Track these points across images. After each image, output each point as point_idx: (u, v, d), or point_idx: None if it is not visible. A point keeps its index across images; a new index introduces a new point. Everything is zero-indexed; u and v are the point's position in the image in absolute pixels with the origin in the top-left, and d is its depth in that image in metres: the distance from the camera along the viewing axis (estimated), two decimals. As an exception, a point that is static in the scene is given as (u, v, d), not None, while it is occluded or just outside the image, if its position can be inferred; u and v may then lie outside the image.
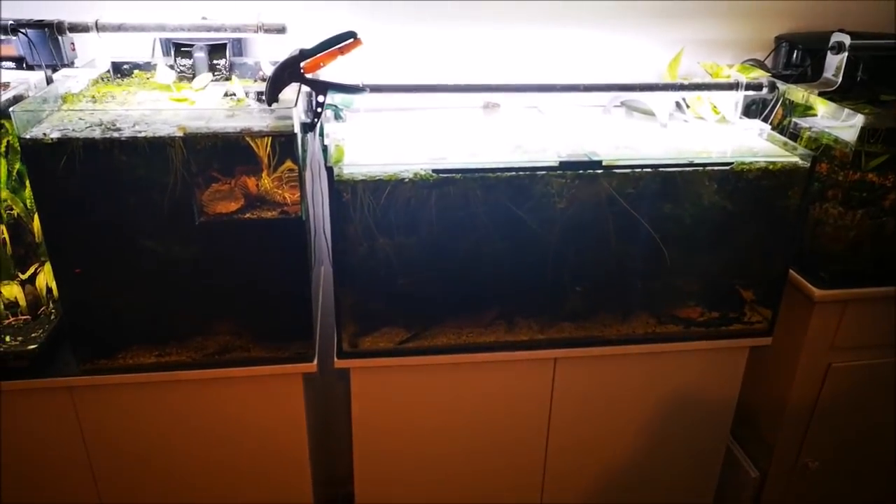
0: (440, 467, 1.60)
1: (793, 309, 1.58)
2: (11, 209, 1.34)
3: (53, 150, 1.13)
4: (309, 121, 1.34)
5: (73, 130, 1.15)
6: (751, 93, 1.56)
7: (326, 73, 1.31)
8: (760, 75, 1.59)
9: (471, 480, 1.63)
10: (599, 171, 1.34)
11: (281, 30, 1.40)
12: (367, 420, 1.52)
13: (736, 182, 1.39)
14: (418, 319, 1.45)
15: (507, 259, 1.40)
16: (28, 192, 1.33)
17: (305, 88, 1.32)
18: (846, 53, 1.53)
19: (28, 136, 1.13)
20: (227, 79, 1.47)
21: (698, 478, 1.75)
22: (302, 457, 1.50)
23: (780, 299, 1.52)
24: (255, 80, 1.49)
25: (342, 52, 1.28)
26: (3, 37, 1.34)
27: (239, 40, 1.56)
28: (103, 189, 1.19)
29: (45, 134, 1.13)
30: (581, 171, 1.33)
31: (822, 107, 1.55)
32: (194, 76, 1.45)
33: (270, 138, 1.19)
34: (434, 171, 1.29)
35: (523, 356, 1.47)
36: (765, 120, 1.65)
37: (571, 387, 1.54)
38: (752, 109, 1.74)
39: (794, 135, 1.60)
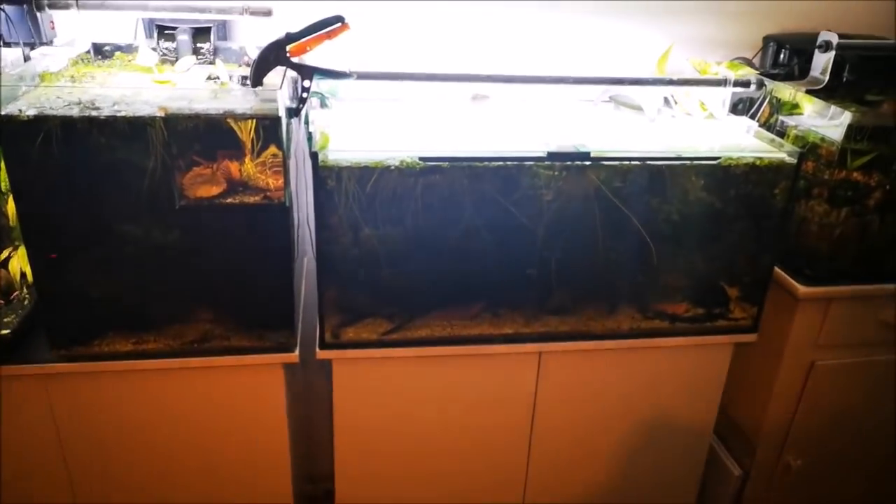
0: (422, 463, 1.58)
1: (777, 306, 1.58)
2: (-15, 191, 1.31)
3: (29, 128, 1.10)
4: (294, 106, 1.32)
5: (51, 108, 1.12)
6: (739, 90, 1.56)
7: (312, 59, 1.29)
8: (748, 73, 1.59)
9: (453, 476, 1.61)
10: (587, 163, 1.33)
11: (267, 13, 1.38)
12: (349, 413, 1.49)
13: (723, 178, 1.39)
14: (402, 311, 1.43)
15: (492, 251, 1.39)
16: (3, 174, 1.29)
17: (291, 73, 1.30)
18: (833, 52, 1.54)
19: (3, 113, 1.09)
20: (211, 62, 1.45)
21: (681, 475, 1.74)
22: (282, 450, 1.47)
23: (764, 296, 1.52)
24: (240, 65, 1.46)
25: (329, 36, 1.26)
26: (-21, 13, 1.31)
27: (224, 24, 1.53)
28: (80, 170, 1.16)
29: (20, 111, 1.10)
30: (569, 163, 1.32)
31: (809, 105, 1.55)
32: (177, 59, 1.43)
33: (254, 121, 1.17)
34: (421, 158, 1.27)
35: (508, 349, 1.46)
36: (752, 118, 1.66)
37: (556, 381, 1.53)
38: (738, 108, 1.74)
39: (781, 133, 1.61)
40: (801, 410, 1.71)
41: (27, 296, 1.36)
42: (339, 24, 1.25)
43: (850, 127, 1.44)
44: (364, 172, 1.27)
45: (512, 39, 1.73)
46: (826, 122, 1.50)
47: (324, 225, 1.31)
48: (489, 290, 1.45)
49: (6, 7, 1.30)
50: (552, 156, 1.32)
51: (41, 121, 1.10)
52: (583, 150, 1.33)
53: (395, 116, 1.57)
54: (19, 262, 1.35)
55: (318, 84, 1.49)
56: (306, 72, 1.28)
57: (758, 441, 1.76)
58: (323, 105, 1.54)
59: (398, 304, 1.42)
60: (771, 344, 1.64)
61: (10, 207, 1.31)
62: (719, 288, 1.54)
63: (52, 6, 1.33)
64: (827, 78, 1.56)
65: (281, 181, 1.22)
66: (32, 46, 1.34)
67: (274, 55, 1.23)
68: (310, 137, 1.33)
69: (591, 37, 1.75)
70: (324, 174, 1.26)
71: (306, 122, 1.41)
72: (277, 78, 1.27)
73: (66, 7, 1.32)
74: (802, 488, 1.85)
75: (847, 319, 1.61)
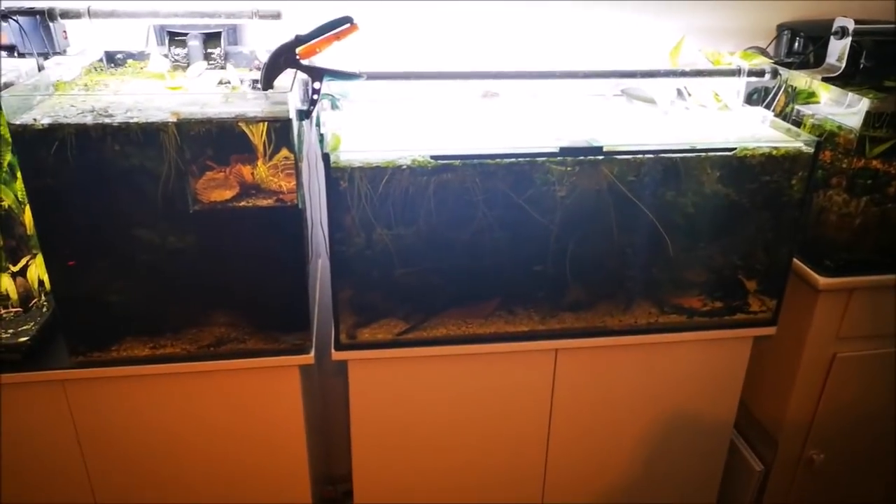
0: (440, 462, 1.58)
1: (797, 298, 1.56)
2: (2, 201, 1.32)
3: (44, 137, 1.11)
4: (305, 108, 1.32)
5: (65, 117, 1.13)
6: (753, 79, 1.54)
7: (322, 60, 1.29)
8: (763, 62, 1.57)
9: (471, 475, 1.61)
10: (600, 158, 1.32)
11: (276, 16, 1.38)
12: (366, 413, 1.49)
13: (739, 169, 1.37)
14: (417, 310, 1.42)
15: (506, 248, 1.38)
16: (19, 183, 1.31)
17: (301, 75, 1.30)
18: (850, 38, 1.51)
19: (18, 122, 1.11)
20: (222, 67, 1.45)
21: (702, 471, 1.73)
22: (300, 451, 1.47)
23: (784, 288, 1.50)
24: (251, 69, 1.46)
25: (338, 37, 1.26)
26: (-7, 24, 1.32)
27: (234, 29, 1.54)
28: (95, 177, 1.16)
29: (35, 120, 1.11)
30: (581, 158, 1.31)
31: (826, 93, 1.53)
32: (189, 65, 1.43)
33: (265, 124, 1.17)
34: (432, 157, 1.27)
35: (524, 347, 1.45)
36: (767, 107, 1.64)
37: (573, 378, 1.52)
38: (753, 98, 1.72)
39: (797, 122, 1.59)
40: (823, 404, 1.69)
41: (45, 303, 1.37)
42: (347, 25, 1.25)
43: (868, 114, 1.41)
44: (376, 172, 1.27)
45: (521, 35, 1.72)
46: (843, 109, 1.48)
47: (337, 226, 1.31)
48: (504, 287, 1.44)
49: (20, 18, 1.31)
50: (564, 151, 1.31)
51: (56, 129, 1.11)
52: (595, 144, 1.32)
53: (406, 116, 1.56)
54: (37, 269, 1.36)
55: (328, 85, 1.49)
56: (316, 74, 1.28)
57: (779, 436, 1.73)
58: (334, 106, 1.54)
59: (413, 303, 1.42)
60: (791, 337, 1.62)
61: (28, 217, 1.32)
62: (737, 281, 1.52)
63: (64, 16, 1.34)
64: (843, 65, 1.53)
65: (293, 183, 1.22)
66: (46, 56, 1.35)
67: (284, 58, 1.23)
68: (321, 139, 1.33)
69: (602, 30, 1.74)
70: (336, 175, 1.26)
71: (318, 124, 1.41)
72: (288, 81, 1.27)
73: (78, 17, 1.33)
74: (825, 483, 1.82)
75: (869, 310, 1.58)
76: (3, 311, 1.34)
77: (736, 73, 1.51)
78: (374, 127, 1.49)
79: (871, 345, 1.64)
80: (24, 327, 1.30)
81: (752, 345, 1.57)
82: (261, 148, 1.20)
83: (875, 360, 1.66)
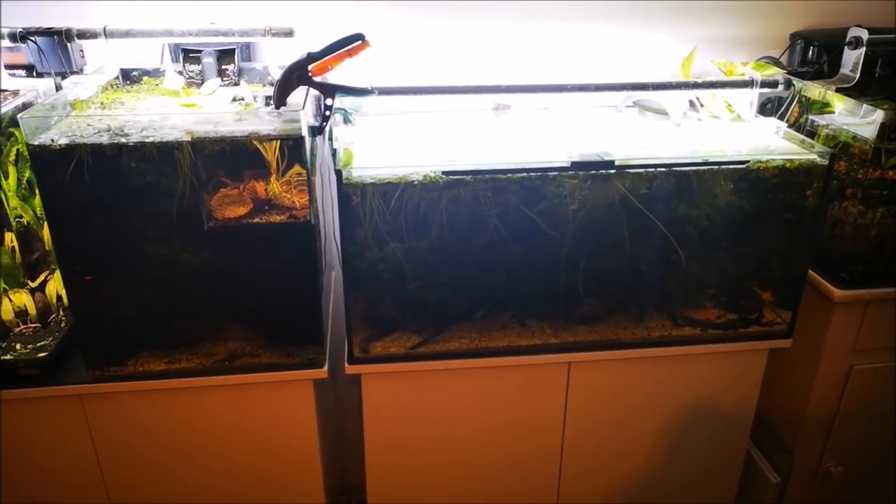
0: (454, 474, 1.58)
1: (813, 310, 1.54)
2: (21, 217, 1.35)
3: (62, 157, 1.13)
4: (317, 124, 1.33)
5: (81, 136, 1.15)
6: (766, 90, 1.53)
7: (335, 76, 1.30)
8: (775, 72, 1.55)
9: (485, 487, 1.60)
10: (612, 172, 1.31)
11: (288, 33, 1.40)
12: (380, 426, 1.50)
13: (752, 181, 1.37)
14: (430, 324, 1.43)
15: (519, 262, 1.38)
16: (38, 200, 1.33)
17: (314, 92, 1.31)
18: (864, 48, 1.50)
19: (36, 143, 1.13)
20: (236, 84, 1.47)
21: (717, 484, 1.71)
22: (313, 464, 1.48)
23: (799, 300, 1.49)
24: (264, 85, 1.48)
25: (350, 54, 1.27)
26: (12, 44, 1.34)
27: (248, 45, 1.55)
28: (112, 195, 1.18)
29: (52, 140, 1.13)
30: (593, 172, 1.31)
31: (840, 103, 1.52)
32: (203, 82, 1.45)
33: (278, 142, 1.19)
34: (444, 172, 1.27)
35: (537, 360, 1.45)
36: (780, 118, 1.62)
37: (586, 391, 1.51)
38: (767, 108, 1.71)
39: (811, 132, 1.57)
40: (840, 416, 1.67)
41: (63, 318, 1.39)
42: (359, 43, 1.26)
43: (883, 125, 1.40)
44: (388, 188, 1.27)
45: (534, 49, 1.72)
46: (858, 120, 1.46)
47: (350, 240, 1.32)
48: (516, 301, 1.45)
49: (38, 39, 1.33)
50: (576, 165, 1.31)
51: (73, 149, 1.13)
52: (607, 158, 1.32)
53: (419, 129, 1.57)
54: (55, 285, 1.38)
55: (340, 100, 1.50)
56: (329, 90, 1.29)
57: (796, 448, 1.72)
58: (346, 121, 1.56)
59: (425, 317, 1.43)
60: (807, 349, 1.60)
61: (46, 233, 1.35)
62: (752, 293, 1.51)
63: (81, 36, 1.36)
64: (858, 75, 1.52)
65: (306, 199, 1.23)
66: (64, 75, 1.37)
67: (296, 75, 1.24)
68: (334, 154, 1.34)
69: (613, 41, 1.74)
70: (348, 191, 1.27)
71: (330, 139, 1.42)
72: (300, 97, 1.29)
73: (95, 37, 1.35)
74: (843, 496, 1.80)
75: (886, 322, 1.56)
76: (22, 327, 1.36)
77: (748, 84, 1.50)
78: (386, 141, 1.49)
79: (888, 357, 1.62)
80: (43, 342, 1.32)
81: (767, 357, 1.56)
82: (274, 164, 1.21)
83: (893, 373, 1.64)
